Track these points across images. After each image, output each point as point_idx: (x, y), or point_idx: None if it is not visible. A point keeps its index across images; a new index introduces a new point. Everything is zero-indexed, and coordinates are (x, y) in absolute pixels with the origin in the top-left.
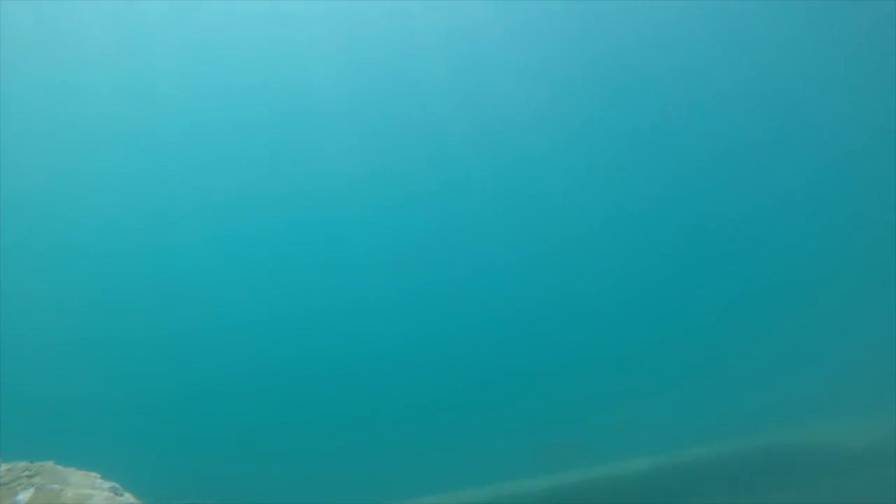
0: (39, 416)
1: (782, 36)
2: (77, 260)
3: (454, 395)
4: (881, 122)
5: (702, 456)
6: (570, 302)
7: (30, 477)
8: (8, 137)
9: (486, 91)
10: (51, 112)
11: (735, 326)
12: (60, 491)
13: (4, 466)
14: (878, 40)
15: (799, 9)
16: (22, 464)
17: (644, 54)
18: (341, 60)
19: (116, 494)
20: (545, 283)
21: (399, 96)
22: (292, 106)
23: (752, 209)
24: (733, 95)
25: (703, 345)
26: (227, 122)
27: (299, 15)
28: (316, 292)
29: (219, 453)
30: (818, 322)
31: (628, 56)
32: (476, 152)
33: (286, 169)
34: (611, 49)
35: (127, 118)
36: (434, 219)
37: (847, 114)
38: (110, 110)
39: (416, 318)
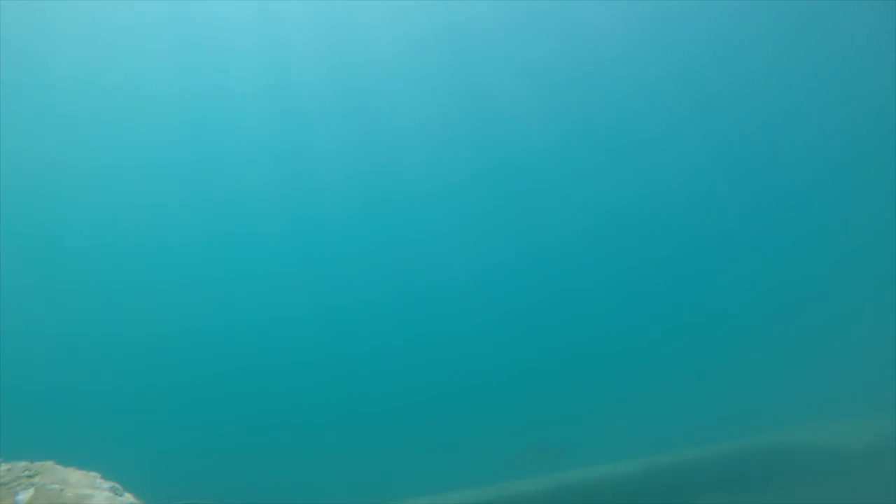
0: (39, 416)
1: (782, 37)
2: (77, 260)
3: (454, 396)
4: (880, 124)
5: (702, 456)
6: (572, 301)
7: (30, 477)
8: (6, 134)
9: (483, 90)
10: (54, 110)
11: (735, 327)
12: (60, 491)
13: (4, 466)
14: (878, 41)
15: (800, 10)
16: (22, 464)
17: (644, 54)
18: (335, 60)
19: (116, 494)
20: (550, 278)
21: (395, 96)
22: (287, 106)
23: (753, 209)
24: (733, 96)
25: (704, 345)
26: (225, 122)
27: (293, 15)
28: (315, 293)
29: (218, 453)
30: (818, 322)
31: (628, 56)
32: (472, 153)
33: (284, 169)
34: (610, 49)
35: (127, 117)
36: (420, 224)
37: (846, 115)
38: (110, 109)
39: (416, 318)
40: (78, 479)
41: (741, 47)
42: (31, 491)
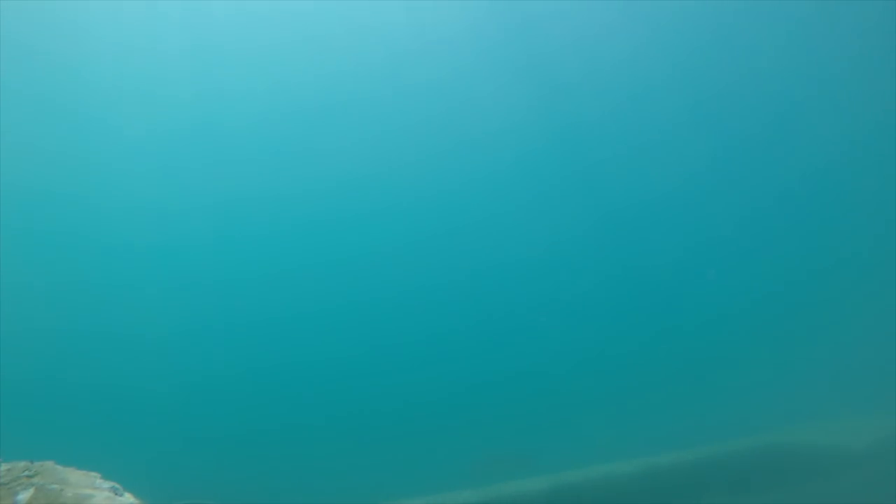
0: (39, 416)
1: (780, 37)
2: (78, 260)
3: (454, 396)
4: (880, 123)
5: (702, 456)
6: (572, 303)
7: (30, 477)
8: (13, 134)
9: (484, 94)
10: (57, 111)
11: (735, 327)
12: (60, 491)
13: (4, 466)
14: (878, 41)
15: (798, 10)
16: (22, 464)
17: (643, 56)
18: (344, 62)
19: (116, 494)
20: (551, 278)
21: (399, 99)
22: (295, 107)
23: (753, 210)
24: (732, 97)
25: (704, 345)
26: (231, 124)
27: (301, 18)
28: (315, 294)
29: (219, 453)
30: (818, 322)
31: (627, 57)
32: (471, 155)
33: (288, 170)
34: (609, 51)
35: (134, 118)
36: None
37: (846, 116)
38: (117, 112)
39: (416, 317)
40: (78, 479)
41: (741, 48)
42: (31, 491)
